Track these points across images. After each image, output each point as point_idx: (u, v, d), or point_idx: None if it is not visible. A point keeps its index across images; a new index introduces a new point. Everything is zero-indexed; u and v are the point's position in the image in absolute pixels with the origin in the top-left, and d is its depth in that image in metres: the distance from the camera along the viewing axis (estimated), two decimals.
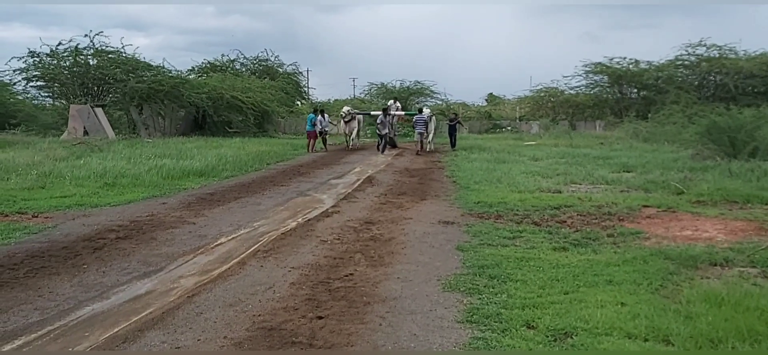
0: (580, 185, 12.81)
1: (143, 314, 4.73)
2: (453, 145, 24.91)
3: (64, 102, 29.88)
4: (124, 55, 30.03)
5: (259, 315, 4.66)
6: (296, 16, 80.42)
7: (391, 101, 28.23)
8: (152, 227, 8.09)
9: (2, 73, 29.79)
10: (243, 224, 8.39)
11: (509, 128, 41.79)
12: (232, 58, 43.15)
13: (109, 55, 29.76)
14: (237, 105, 31.12)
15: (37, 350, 4.05)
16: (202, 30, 72.80)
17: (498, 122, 43.61)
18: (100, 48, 29.56)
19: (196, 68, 41.10)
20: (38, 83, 29.66)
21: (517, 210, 9.38)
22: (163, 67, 31.09)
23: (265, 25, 77.96)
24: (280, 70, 44.67)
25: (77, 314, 4.73)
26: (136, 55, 30.61)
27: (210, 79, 33.99)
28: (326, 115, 25.90)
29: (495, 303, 4.87)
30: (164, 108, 29.42)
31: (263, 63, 44.12)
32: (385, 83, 46.92)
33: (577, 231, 7.81)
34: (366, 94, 48.88)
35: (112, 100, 30.16)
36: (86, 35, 29.76)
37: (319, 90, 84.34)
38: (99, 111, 25.78)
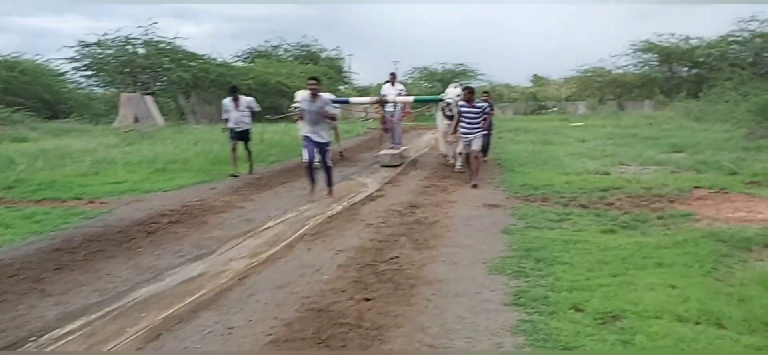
0: (629, 166, 12.54)
1: (196, 295, 4.89)
2: (485, 151, 12.97)
3: (114, 90, 30.77)
4: (171, 44, 30.73)
5: (308, 297, 4.76)
6: (341, 1, 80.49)
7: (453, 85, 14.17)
8: (203, 211, 8.31)
9: (55, 63, 30.82)
10: (290, 207, 8.54)
11: (555, 109, 41.09)
12: (275, 45, 43.66)
13: (159, 45, 30.52)
14: (282, 90, 31.50)
15: (98, 329, 4.25)
16: (250, 17, 73.65)
17: (544, 103, 42.91)
18: (148, 38, 30.34)
19: (242, 55, 41.76)
20: (87, 72, 30.59)
21: (564, 192, 9.27)
22: (210, 55, 31.71)
23: (311, 11, 78.24)
24: (322, 55, 44.95)
25: (134, 296, 4.93)
26: (184, 45, 31.30)
27: (256, 65, 34.49)
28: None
29: (542, 286, 4.86)
30: (211, 95, 30.00)
31: (305, 48, 44.48)
32: (428, 66, 46.67)
33: (626, 213, 7.68)
34: (409, 78, 48.75)
35: (160, 88, 30.95)
36: (140, 26, 30.64)
37: (362, 74, 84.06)
38: (148, 99, 26.46)
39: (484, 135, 11.44)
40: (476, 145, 10.52)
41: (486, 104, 11.01)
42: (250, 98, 12.46)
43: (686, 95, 33.47)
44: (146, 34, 30.03)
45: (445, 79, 40.48)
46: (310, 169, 9.24)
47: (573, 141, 18.53)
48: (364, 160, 14.65)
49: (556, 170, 11.82)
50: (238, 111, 12.00)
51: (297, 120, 10.89)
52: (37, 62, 29.05)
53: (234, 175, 11.71)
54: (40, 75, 28.55)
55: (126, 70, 30.11)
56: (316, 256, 5.98)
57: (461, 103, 10.74)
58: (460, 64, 45.88)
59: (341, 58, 47.72)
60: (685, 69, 39.11)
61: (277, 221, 7.65)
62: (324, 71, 40.28)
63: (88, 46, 30.38)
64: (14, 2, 67.79)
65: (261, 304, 4.65)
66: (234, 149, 12.07)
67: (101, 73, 31.18)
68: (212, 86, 29.77)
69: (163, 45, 30.35)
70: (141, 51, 30.15)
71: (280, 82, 31.45)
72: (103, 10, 74.30)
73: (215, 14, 76.57)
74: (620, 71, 40.90)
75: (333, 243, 6.46)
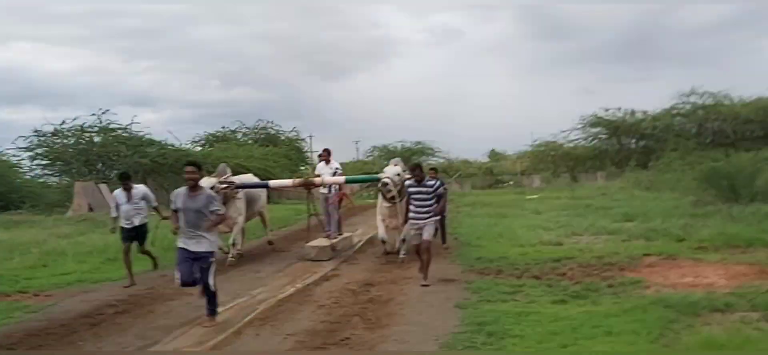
0: (582, 236, 12.76)
1: None
2: (443, 237, 12.08)
3: (68, 179, 30.19)
4: (128, 131, 30.53)
5: None
6: (300, 85, 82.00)
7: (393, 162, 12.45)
8: (151, 300, 8.07)
9: (9, 154, 30.16)
10: (241, 292, 8.36)
11: (511, 183, 41.91)
12: (233, 129, 43.72)
13: (114, 133, 30.26)
14: (241, 173, 31.29)
15: None
16: (208, 103, 74.32)
17: (500, 178, 43.78)
18: (105, 126, 30.08)
19: (199, 140, 41.62)
20: (43, 161, 30.02)
21: (518, 264, 9.34)
22: (167, 141, 31.53)
23: (270, 95, 79.46)
24: (281, 137, 45.15)
25: None
26: (142, 132, 31.09)
27: (213, 150, 34.40)
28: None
29: None
30: (168, 181, 29.65)
31: (263, 131, 44.64)
32: (387, 145, 47.36)
33: (577, 283, 7.76)
34: (369, 156, 49.26)
35: (116, 175, 30.47)
36: (93, 114, 30.33)
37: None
38: (103, 187, 25.97)
39: (439, 219, 9.31)
40: (427, 233, 8.46)
41: (437, 182, 9.03)
42: (144, 187, 9.95)
43: (636, 166, 34.62)
44: (100, 122, 29.78)
45: (403, 157, 40.99)
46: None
47: (528, 213, 18.81)
48: (297, 251, 12.43)
49: (511, 242, 11.93)
50: (130, 203, 9.42)
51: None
52: None
53: (129, 286, 9.24)
54: None
55: (82, 158, 29.64)
56: (264, 342, 5.83)
57: (409, 183, 8.94)
58: (419, 142, 46.73)
59: (301, 139, 48.02)
60: (634, 141, 40.62)
61: (227, 307, 7.47)
62: (284, 153, 40.40)
63: (44, 135, 29.94)
64: None
65: None
66: (127, 252, 9.54)
67: (58, 163, 30.63)
68: (170, 172, 29.47)
69: (118, 132, 30.12)
70: (96, 139, 29.81)
71: (239, 164, 31.34)
72: (61, 101, 73.81)
73: (173, 101, 76.87)
74: (572, 145, 42.20)
75: (283, 327, 6.32)
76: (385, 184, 10.54)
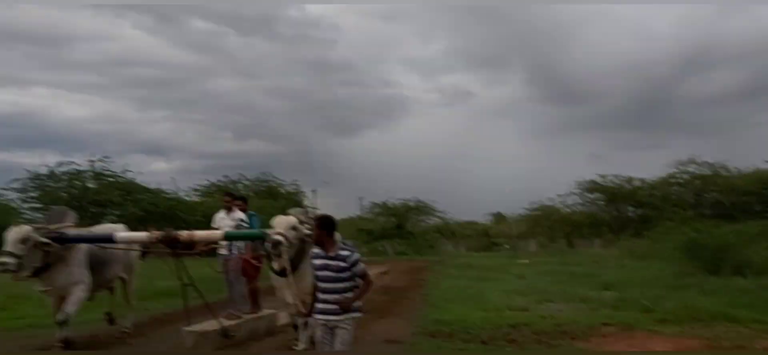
0: (554, 303, 12.55)
1: None
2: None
3: None
4: (122, 178, 30.82)
5: None
6: (312, 140, 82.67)
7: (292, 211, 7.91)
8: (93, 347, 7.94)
9: (6, 196, 30.36)
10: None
11: (507, 247, 41.63)
12: (234, 180, 43.97)
13: (108, 179, 30.55)
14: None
15: None
16: (220, 154, 74.94)
17: (496, 241, 43.53)
18: (99, 171, 30.40)
19: (199, 190, 41.81)
20: (36, 205, 30.24)
21: (473, 329, 9.15)
22: (161, 189, 31.80)
23: (281, 149, 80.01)
24: (281, 190, 45.32)
25: None
26: (135, 177, 31.39)
27: (205, 200, 34.56)
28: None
29: None
30: (159, 228, 29.72)
31: (265, 183, 44.88)
32: (386, 201, 47.31)
33: (523, 350, 7.61)
34: (369, 213, 49.15)
35: (110, 221, 30.64)
36: (91, 160, 30.67)
37: (326, 210, 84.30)
38: None
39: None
40: (341, 340, 5.07)
41: (352, 254, 5.09)
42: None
43: (632, 234, 34.34)
44: (93, 169, 30.13)
45: (399, 214, 40.93)
46: None
47: (512, 277, 18.60)
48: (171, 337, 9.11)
49: (478, 306, 11.74)
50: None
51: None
52: None
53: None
54: None
55: (75, 203, 29.83)
56: None
57: (315, 252, 5.22)
58: (419, 201, 46.64)
59: (301, 192, 48.10)
60: (631, 209, 40.44)
61: None
62: (282, 206, 40.44)
63: (39, 177, 30.25)
64: None
65: None
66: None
67: (51, 206, 30.80)
68: (161, 220, 29.61)
69: (111, 178, 30.43)
70: (89, 185, 30.11)
71: None
72: (75, 147, 74.77)
73: (186, 151, 77.50)
74: (569, 210, 42.07)
75: None
76: (277, 244, 6.68)
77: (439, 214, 46.43)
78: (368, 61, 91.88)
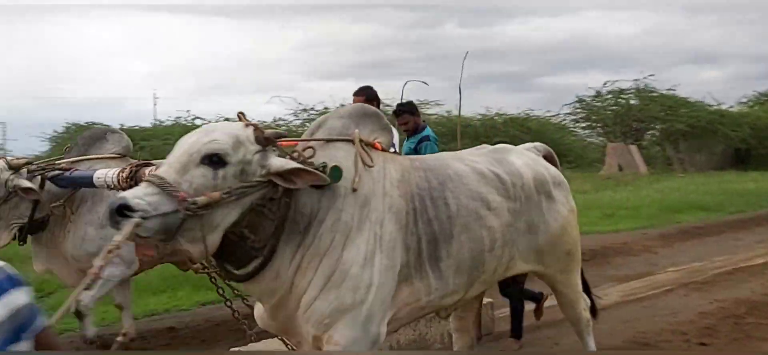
0: None
1: None
2: None
3: (604, 140, 32.58)
4: (665, 94, 30.85)
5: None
6: None
7: None
8: (615, 253, 8.89)
9: (561, 117, 34.18)
10: (703, 257, 8.40)
11: None
12: None
13: (651, 95, 31.01)
14: None
15: None
16: None
17: None
18: (642, 89, 31.17)
19: (748, 102, 37.88)
20: (583, 124, 33.15)
21: None
22: (703, 102, 30.60)
23: None
24: None
25: None
26: (675, 93, 31.00)
27: (752, 111, 31.52)
28: None
29: None
30: (701, 143, 28.89)
31: None
32: None
33: None
34: None
35: (651, 137, 31.41)
36: (636, 79, 31.65)
37: None
38: (633, 148, 27.30)
39: None
40: None
41: None
42: None
43: None
44: (637, 85, 31.01)
45: None
46: None
47: None
48: None
49: None
50: None
51: None
52: (542, 118, 32.93)
53: None
54: (545, 128, 32.27)
55: (618, 120, 31.54)
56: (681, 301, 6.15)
57: None
58: None
59: None
60: None
61: (678, 268, 7.75)
62: None
63: (583, 100, 33.06)
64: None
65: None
66: None
67: (597, 125, 33.37)
68: (703, 134, 28.66)
69: (654, 95, 30.74)
70: (633, 102, 31.20)
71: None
72: (624, 64, 77.08)
73: (738, 55, 69.78)
74: None
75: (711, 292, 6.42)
76: None
77: None
78: None
